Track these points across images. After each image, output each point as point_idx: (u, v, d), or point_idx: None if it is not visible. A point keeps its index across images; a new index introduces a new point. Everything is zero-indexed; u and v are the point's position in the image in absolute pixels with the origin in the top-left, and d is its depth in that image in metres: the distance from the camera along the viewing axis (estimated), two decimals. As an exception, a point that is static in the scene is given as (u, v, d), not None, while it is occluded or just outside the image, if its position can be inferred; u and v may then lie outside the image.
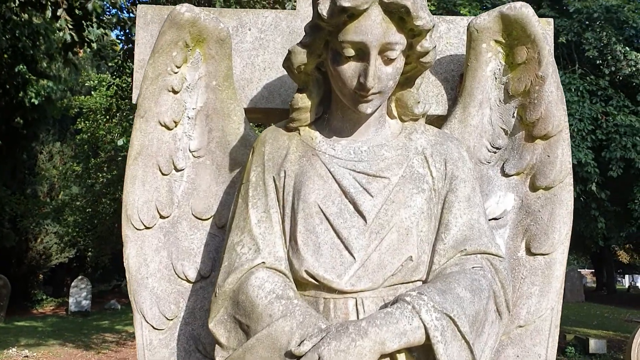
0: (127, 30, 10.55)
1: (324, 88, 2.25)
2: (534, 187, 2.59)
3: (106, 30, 9.87)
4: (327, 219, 2.12)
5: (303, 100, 2.23)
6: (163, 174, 2.55)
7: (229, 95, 2.57)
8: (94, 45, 10.01)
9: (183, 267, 2.56)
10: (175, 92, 2.52)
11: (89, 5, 8.45)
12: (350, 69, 2.05)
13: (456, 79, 2.72)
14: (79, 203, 21.91)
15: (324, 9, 1.95)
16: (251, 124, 2.65)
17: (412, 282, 2.15)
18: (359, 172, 2.17)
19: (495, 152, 2.64)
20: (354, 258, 2.08)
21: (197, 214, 2.58)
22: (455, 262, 2.17)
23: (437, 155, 2.28)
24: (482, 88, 2.59)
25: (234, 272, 2.13)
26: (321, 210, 2.13)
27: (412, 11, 1.94)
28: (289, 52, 2.14)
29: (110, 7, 10.07)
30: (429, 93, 2.71)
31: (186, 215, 2.59)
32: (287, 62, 2.17)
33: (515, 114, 2.60)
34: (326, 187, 2.16)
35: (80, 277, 23.52)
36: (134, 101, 2.69)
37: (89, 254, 24.87)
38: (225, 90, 2.57)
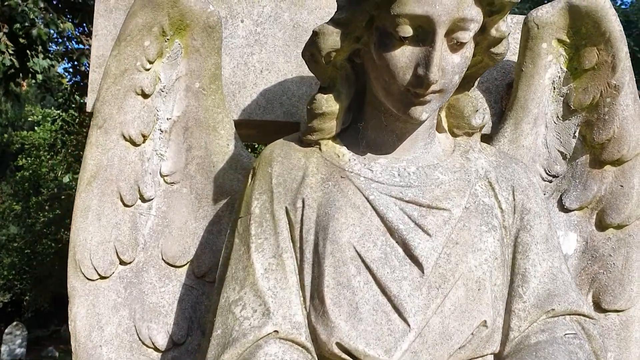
0: (75, 62, 9.83)
1: (355, 87, 1.67)
2: (602, 226, 2.06)
3: (52, 62, 9.09)
4: (368, 267, 1.51)
5: (329, 103, 1.63)
6: (125, 205, 1.90)
7: (215, 102, 1.96)
8: (39, 76, 9.20)
9: (150, 330, 1.90)
10: (145, 96, 1.89)
11: (34, 32, 7.70)
12: (404, 55, 1.47)
13: (501, 89, 2.18)
14: (16, 244, 20.66)
15: None
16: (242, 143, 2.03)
17: (484, 356, 1.54)
18: (408, 201, 1.57)
19: (551, 181, 2.10)
20: (408, 325, 1.47)
21: (169, 259, 1.94)
22: (541, 328, 1.58)
23: (503, 182, 1.71)
24: (539, 100, 2.05)
25: (232, 346, 1.48)
26: (358, 254, 1.52)
27: None
28: (315, 34, 1.55)
29: (57, 36, 9.35)
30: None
31: (155, 260, 1.95)
32: (311, 49, 1.58)
33: (576, 134, 2.08)
34: (364, 222, 1.55)
35: (15, 323, 21.99)
36: (88, 109, 2.04)
37: (26, 298, 23.43)
38: (212, 96, 1.95)
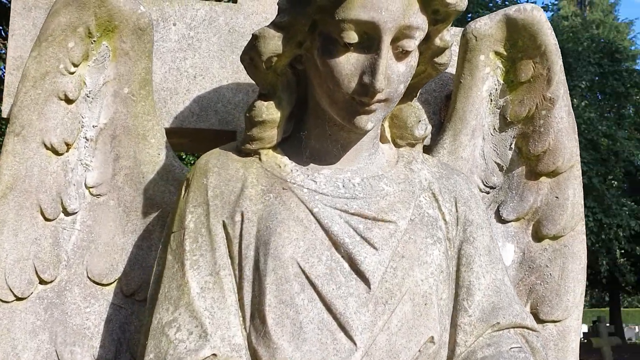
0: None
1: (296, 94, 1.60)
2: (538, 237, 2.07)
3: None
4: (312, 284, 1.44)
5: (269, 111, 1.55)
6: (46, 219, 1.75)
7: (145, 108, 1.84)
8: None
9: (73, 355, 1.76)
10: (69, 101, 1.76)
11: None
12: (349, 63, 1.42)
13: (439, 101, 2.18)
14: None
15: None
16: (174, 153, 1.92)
17: None
18: (353, 213, 1.51)
19: (488, 192, 2.10)
20: (355, 344, 1.40)
21: (95, 276, 1.80)
22: (487, 342, 1.55)
23: (446, 193, 1.68)
24: (477, 112, 2.05)
25: None
26: (302, 271, 1.44)
27: None
28: (255, 38, 1.47)
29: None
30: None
31: (79, 278, 1.80)
32: (251, 53, 1.50)
33: (513, 146, 2.09)
34: (308, 236, 1.47)
35: None
36: (4, 114, 1.88)
37: None
38: (141, 102, 1.83)
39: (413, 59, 1.48)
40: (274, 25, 1.46)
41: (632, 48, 30.38)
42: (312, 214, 1.49)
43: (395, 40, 1.41)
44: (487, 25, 1.96)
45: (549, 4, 16.78)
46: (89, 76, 1.79)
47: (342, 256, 1.46)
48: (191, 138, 2.08)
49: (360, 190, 1.56)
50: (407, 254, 1.50)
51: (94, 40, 1.75)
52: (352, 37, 1.38)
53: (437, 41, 1.52)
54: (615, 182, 13.97)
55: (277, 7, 1.50)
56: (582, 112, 13.08)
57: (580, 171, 2.08)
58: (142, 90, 1.83)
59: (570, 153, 2.04)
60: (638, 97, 15.65)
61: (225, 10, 2.04)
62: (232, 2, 2.05)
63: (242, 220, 1.50)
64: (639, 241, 16.25)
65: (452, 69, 2.13)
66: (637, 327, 32.95)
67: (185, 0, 2.02)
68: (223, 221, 1.52)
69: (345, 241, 1.46)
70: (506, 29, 1.96)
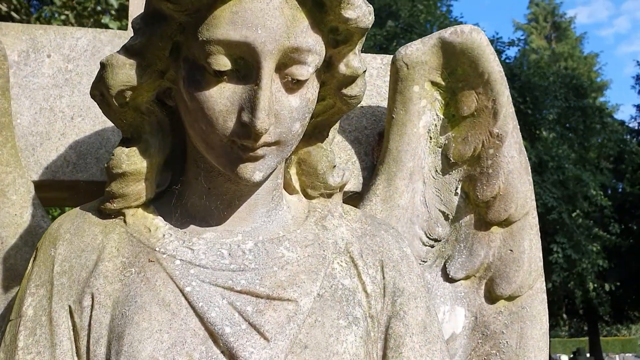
0: None
1: (171, 137, 1.27)
2: (492, 297, 1.75)
3: None
4: None
5: (132, 160, 1.21)
6: None
7: (3, 158, 1.50)
8: None
9: None
10: None
11: None
12: (222, 96, 1.09)
13: (371, 139, 1.86)
14: None
15: None
16: (47, 210, 1.56)
17: None
18: (240, 291, 1.16)
19: (432, 246, 1.78)
20: None
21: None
22: None
23: (370, 256, 1.34)
24: (414, 152, 1.74)
25: None
26: None
27: None
28: (102, 67, 1.15)
29: None
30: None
31: None
32: (99, 86, 1.17)
33: (458, 190, 1.78)
34: (176, 326, 1.12)
35: None
36: None
37: None
38: (-3, 150, 1.49)
39: (310, 91, 1.16)
40: (125, 50, 1.13)
41: (599, 79, 30.96)
42: (183, 294, 1.14)
43: (282, 67, 1.09)
44: (420, 50, 1.67)
45: (515, 39, 16.96)
46: None
47: (222, 351, 1.11)
48: (69, 191, 1.72)
49: (251, 258, 1.21)
50: (312, 343, 1.15)
51: None
52: (222, 63, 1.06)
53: (342, 68, 1.20)
54: (581, 220, 14.05)
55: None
56: (551, 146, 13.07)
57: (537, 218, 1.77)
58: (-3, 137, 1.48)
59: (524, 198, 1.73)
60: (602, 134, 15.86)
61: (113, 39, 1.72)
62: (121, 30, 1.73)
63: (92, 306, 1.15)
64: (608, 277, 16.25)
65: (385, 103, 1.84)
66: (617, 356, 32.65)
67: (63, 29, 1.70)
68: (69, 306, 1.16)
69: (226, 331, 1.11)
70: (442, 55, 1.67)
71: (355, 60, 1.21)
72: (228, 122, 1.10)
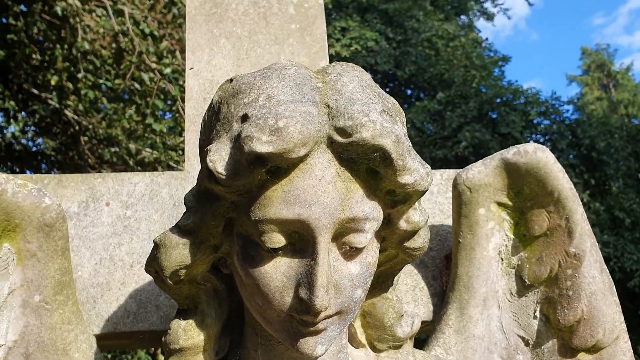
0: None
1: (229, 302, 1.22)
2: None
3: None
4: None
5: (189, 334, 1.17)
6: None
7: (64, 317, 1.48)
8: None
9: None
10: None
11: None
12: (278, 271, 1.04)
13: (438, 262, 1.77)
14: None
15: (218, 160, 0.99)
16: (106, 354, 1.53)
17: None
18: None
19: (514, 377, 1.64)
20: None
21: None
22: None
23: None
24: (485, 276, 1.63)
25: None
26: None
27: (394, 159, 0.99)
28: (156, 247, 1.12)
29: None
30: (399, 287, 1.72)
31: None
32: (154, 265, 1.14)
33: (537, 313, 1.65)
34: None
35: None
36: None
37: None
38: (58, 310, 1.48)
39: (370, 254, 1.10)
40: (178, 229, 1.10)
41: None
42: None
43: (339, 237, 1.03)
44: (482, 173, 1.59)
45: (575, 98, 16.35)
46: (-9, 286, 1.45)
47: None
48: (130, 339, 1.69)
49: None
50: None
51: (-8, 244, 1.42)
52: (276, 240, 1.01)
53: (403, 224, 1.14)
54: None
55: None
56: (622, 200, 12.26)
57: (629, 343, 1.61)
58: (59, 296, 1.47)
59: (611, 321, 1.59)
60: None
61: (170, 181, 1.72)
62: (177, 170, 1.73)
63: None
64: None
65: (449, 220, 1.76)
66: None
67: (121, 175, 1.71)
68: None
69: None
70: (506, 176, 1.58)
71: (416, 214, 1.14)
72: (285, 297, 1.04)
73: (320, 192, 0.99)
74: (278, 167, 0.98)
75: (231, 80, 1.09)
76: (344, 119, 0.97)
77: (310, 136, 0.95)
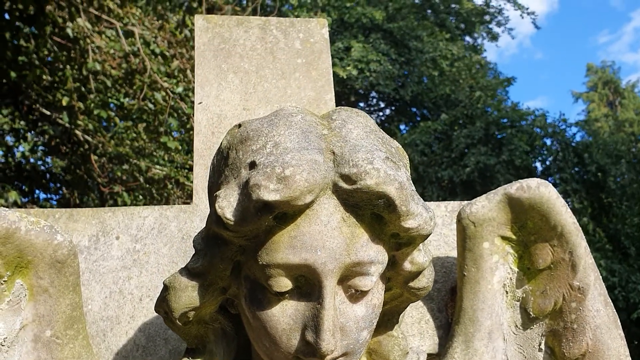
0: None
1: (236, 341, 1.24)
2: None
3: None
4: None
5: None
6: None
7: (74, 351, 1.50)
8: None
9: None
10: (-24, 354, 1.43)
11: None
12: (285, 315, 1.07)
13: (444, 294, 1.79)
14: None
15: (227, 206, 1.01)
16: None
17: None
18: None
19: (521, 412, 1.64)
20: None
21: None
22: None
23: None
24: (490, 309, 1.65)
25: None
26: None
27: (398, 205, 1.02)
28: (165, 289, 1.14)
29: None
30: (405, 320, 1.74)
31: None
32: (163, 306, 1.16)
33: (542, 346, 1.66)
34: None
35: None
36: None
37: None
38: (69, 345, 1.50)
39: (375, 296, 1.12)
40: (187, 271, 1.13)
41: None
42: None
43: (344, 280, 1.06)
44: (486, 207, 1.61)
45: (582, 121, 16.21)
46: (3, 321, 1.47)
47: None
48: (140, 374, 1.71)
49: None
50: None
51: (5, 280, 1.45)
52: (283, 284, 1.04)
53: (407, 265, 1.16)
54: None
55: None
56: (627, 216, 12.16)
57: (635, 376, 1.62)
58: (69, 331, 1.50)
59: (616, 355, 1.60)
60: None
61: (178, 214, 1.75)
62: (184, 203, 1.76)
63: None
64: None
65: (454, 252, 1.77)
66: None
67: (131, 209, 1.74)
68: None
69: None
70: (510, 210, 1.61)
71: (420, 256, 1.16)
72: (292, 340, 1.06)
73: (326, 237, 1.01)
74: (285, 213, 1.00)
75: (239, 125, 1.12)
76: (348, 166, 0.99)
77: (316, 184, 0.98)
